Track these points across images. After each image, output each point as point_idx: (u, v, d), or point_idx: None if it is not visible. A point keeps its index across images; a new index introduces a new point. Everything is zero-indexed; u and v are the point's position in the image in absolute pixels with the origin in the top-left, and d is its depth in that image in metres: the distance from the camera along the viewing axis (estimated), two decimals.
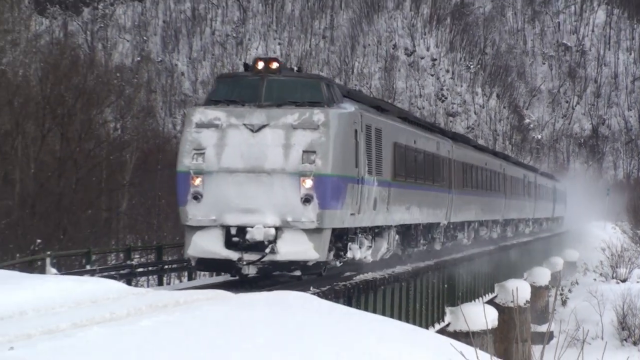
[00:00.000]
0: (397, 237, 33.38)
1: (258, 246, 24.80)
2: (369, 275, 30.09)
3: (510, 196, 58.88)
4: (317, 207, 24.89)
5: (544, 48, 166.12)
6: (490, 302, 43.68)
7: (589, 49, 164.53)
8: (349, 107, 27.45)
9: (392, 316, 28.78)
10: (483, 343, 23.85)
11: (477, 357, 16.23)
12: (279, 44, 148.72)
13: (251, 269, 24.91)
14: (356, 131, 27.44)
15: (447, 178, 41.21)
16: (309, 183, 25.24)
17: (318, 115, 25.59)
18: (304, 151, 25.37)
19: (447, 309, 38.97)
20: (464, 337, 25.56)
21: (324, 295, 23.78)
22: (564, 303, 59.98)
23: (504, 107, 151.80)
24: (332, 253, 26.23)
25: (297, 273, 25.26)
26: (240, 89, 26.90)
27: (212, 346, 15.01)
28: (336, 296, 24.94)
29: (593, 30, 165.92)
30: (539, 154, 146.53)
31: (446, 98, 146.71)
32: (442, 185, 40.41)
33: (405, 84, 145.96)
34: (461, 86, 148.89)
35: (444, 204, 40.30)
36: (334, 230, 25.97)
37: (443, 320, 38.25)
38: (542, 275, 59.74)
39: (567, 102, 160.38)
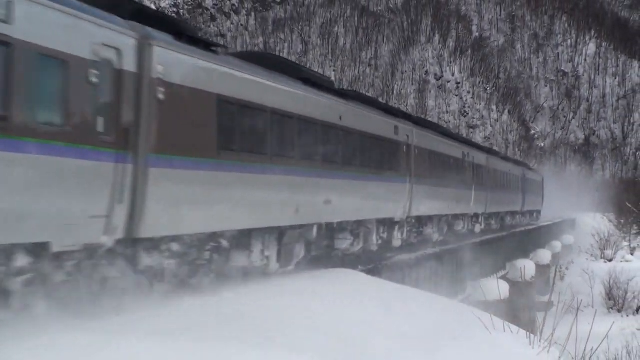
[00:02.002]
0: None
1: None
2: (404, 256, 29.89)
3: (428, 182, 33.44)
4: None
5: (546, 74, 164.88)
6: (503, 277, 43.52)
7: (582, 75, 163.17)
8: None
9: (423, 289, 28.66)
10: (497, 310, 23.84)
11: (492, 321, 16.26)
12: (334, 70, 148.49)
13: None
14: None
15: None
16: None
17: None
18: None
19: (468, 283, 38.86)
20: (482, 305, 25.56)
21: (368, 272, 23.69)
22: (562, 278, 59.57)
23: (514, 121, 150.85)
24: None
25: None
26: None
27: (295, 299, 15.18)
28: (378, 273, 24.55)
29: (586, 60, 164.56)
30: (542, 159, 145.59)
31: (468, 114, 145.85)
32: (205, 153, 16.41)
33: (435, 102, 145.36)
34: (480, 104, 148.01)
35: (228, 199, 17.27)
36: None
37: (465, 292, 38.16)
38: (545, 256, 59.31)
39: (564, 117, 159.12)
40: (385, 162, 28.36)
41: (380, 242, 28.40)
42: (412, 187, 30.96)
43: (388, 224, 29.36)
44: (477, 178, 45.02)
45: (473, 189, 43.81)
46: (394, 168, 29.35)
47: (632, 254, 74.84)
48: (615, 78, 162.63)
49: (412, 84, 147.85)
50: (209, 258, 17.04)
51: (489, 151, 55.12)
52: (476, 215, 46.50)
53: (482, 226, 48.60)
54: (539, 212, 78.62)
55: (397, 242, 30.56)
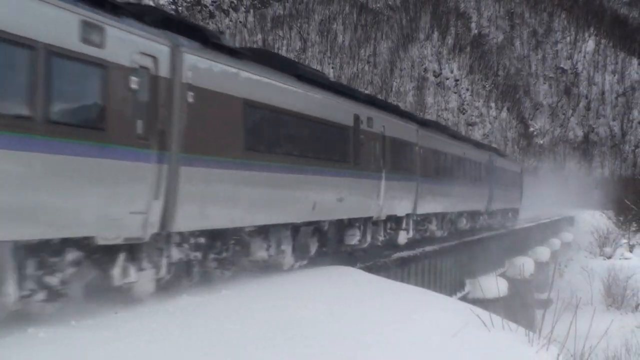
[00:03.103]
0: None
1: None
2: (404, 253, 29.76)
3: (241, 163, 17.19)
4: None
5: (545, 71, 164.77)
6: (502, 275, 43.54)
7: (581, 72, 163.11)
8: None
9: (422, 286, 28.58)
10: (495, 308, 23.77)
11: (491, 319, 16.24)
12: (332, 67, 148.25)
13: None
14: None
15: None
16: None
17: None
18: None
19: (467, 281, 38.81)
20: (480, 303, 25.52)
21: (367, 270, 23.64)
22: (561, 276, 59.59)
23: (513, 119, 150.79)
24: None
25: None
26: None
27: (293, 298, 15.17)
28: (377, 270, 24.48)
29: (585, 57, 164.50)
30: (541, 156, 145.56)
31: (466, 111, 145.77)
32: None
33: (434, 99, 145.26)
34: (478, 101, 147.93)
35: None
36: None
37: (463, 290, 38.13)
38: (544, 253, 59.36)
39: (563, 114, 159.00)
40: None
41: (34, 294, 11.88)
42: (178, 171, 14.93)
43: (96, 251, 13.23)
44: (393, 161, 29.01)
45: (383, 178, 27.95)
46: (88, 123, 12.73)
47: (631, 252, 74.92)
48: (614, 75, 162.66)
49: (411, 81, 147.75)
50: None
51: (423, 122, 37.21)
52: (396, 219, 30.64)
53: (410, 234, 32.49)
54: (515, 211, 62.76)
55: (145, 287, 14.52)
